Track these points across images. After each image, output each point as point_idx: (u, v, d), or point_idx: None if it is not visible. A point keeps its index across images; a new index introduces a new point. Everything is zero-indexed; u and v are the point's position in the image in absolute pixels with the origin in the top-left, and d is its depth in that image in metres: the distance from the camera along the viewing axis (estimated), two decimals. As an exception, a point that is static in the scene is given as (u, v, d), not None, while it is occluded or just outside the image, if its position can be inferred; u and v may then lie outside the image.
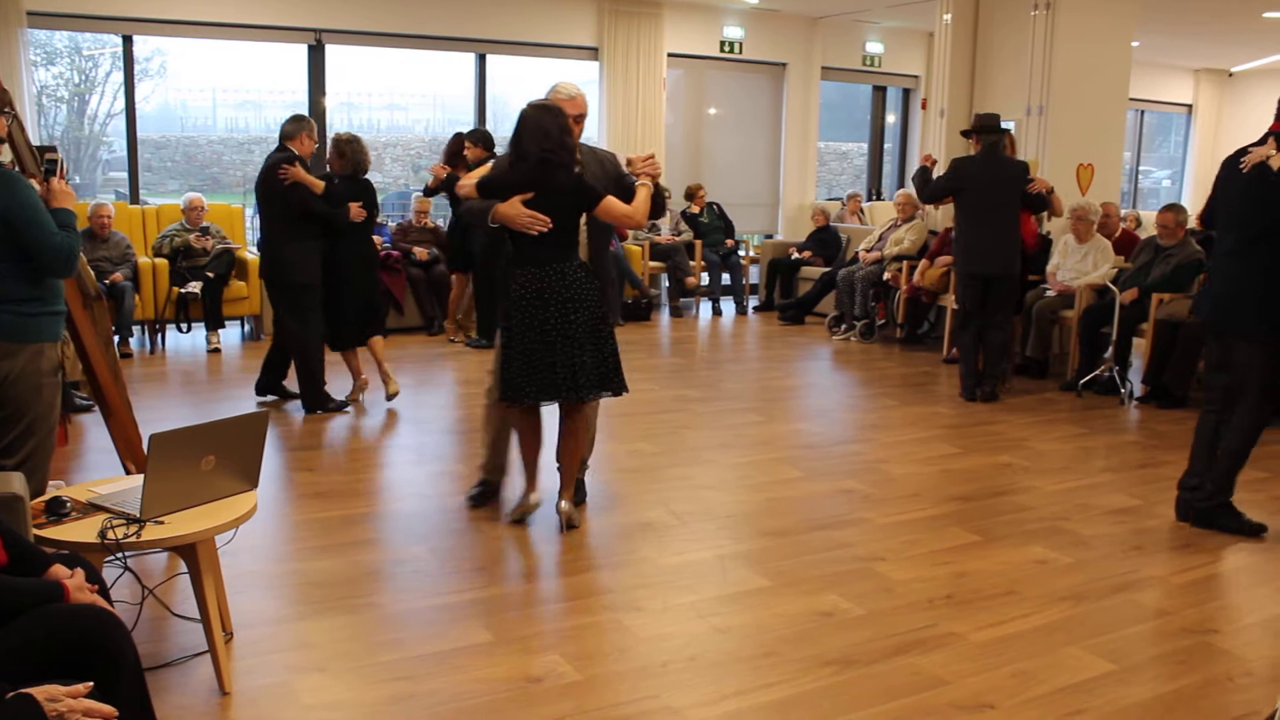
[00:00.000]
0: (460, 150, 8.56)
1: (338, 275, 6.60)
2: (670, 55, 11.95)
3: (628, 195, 4.64)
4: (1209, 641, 3.82)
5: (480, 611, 3.87)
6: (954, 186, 7.49)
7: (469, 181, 4.61)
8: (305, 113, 10.50)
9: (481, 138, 8.32)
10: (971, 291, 7.52)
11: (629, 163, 4.80)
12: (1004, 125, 7.70)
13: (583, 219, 4.61)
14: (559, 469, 4.84)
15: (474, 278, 8.88)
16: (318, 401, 6.59)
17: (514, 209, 4.39)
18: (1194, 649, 3.76)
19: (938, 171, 8.00)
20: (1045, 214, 8.30)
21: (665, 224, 11.34)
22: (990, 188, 7.39)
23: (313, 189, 6.39)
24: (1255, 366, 4.81)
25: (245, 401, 6.83)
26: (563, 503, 4.74)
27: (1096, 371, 7.89)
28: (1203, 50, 14.85)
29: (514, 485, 5.14)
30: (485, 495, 5.08)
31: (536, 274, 4.46)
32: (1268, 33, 12.65)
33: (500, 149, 8.01)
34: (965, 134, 7.92)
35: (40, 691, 2.09)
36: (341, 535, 4.61)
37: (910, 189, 11.54)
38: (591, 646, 3.61)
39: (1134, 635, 3.85)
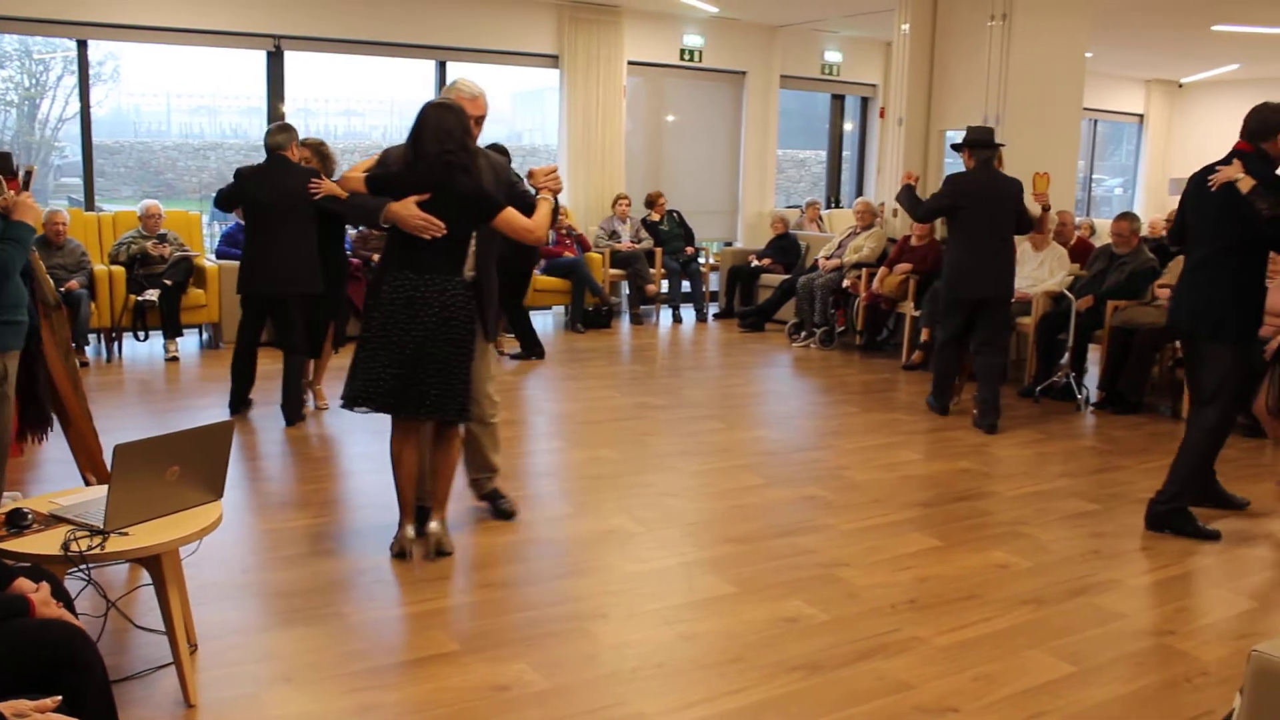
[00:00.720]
0: None
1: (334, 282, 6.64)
2: (630, 63, 11.98)
3: (521, 206, 4.41)
4: (1167, 643, 3.89)
5: (446, 621, 3.87)
6: (951, 204, 7.08)
7: (355, 174, 4.37)
8: (264, 118, 10.49)
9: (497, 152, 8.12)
10: (959, 318, 7.15)
11: (531, 174, 4.61)
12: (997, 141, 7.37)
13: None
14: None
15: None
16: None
17: (408, 209, 4.14)
18: (1152, 651, 3.82)
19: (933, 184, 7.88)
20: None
21: (626, 231, 11.36)
22: (987, 206, 6.97)
23: (338, 196, 6.28)
24: (1227, 370, 4.90)
25: (205, 410, 6.77)
26: (433, 523, 4.50)
27: (1053, 378, 7.99)
28: (1154, 62, 15.11)
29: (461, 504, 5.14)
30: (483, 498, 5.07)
31: (414, 280, 4.20)
32: (1216, 45, 12.89)
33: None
34: (956, 148, 7.43)
35: (8, 706, 2.07)
36: (306, 545, 4.59)
37: (868, 197, 11.67)
38: (559, 654, 3.61)
39: (1093, 638, 3.91)
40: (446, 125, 4.18)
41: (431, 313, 4.19)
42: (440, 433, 4.48)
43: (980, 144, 7.11)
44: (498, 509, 5.01)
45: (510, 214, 4.29)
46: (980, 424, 7.04)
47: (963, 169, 7.22)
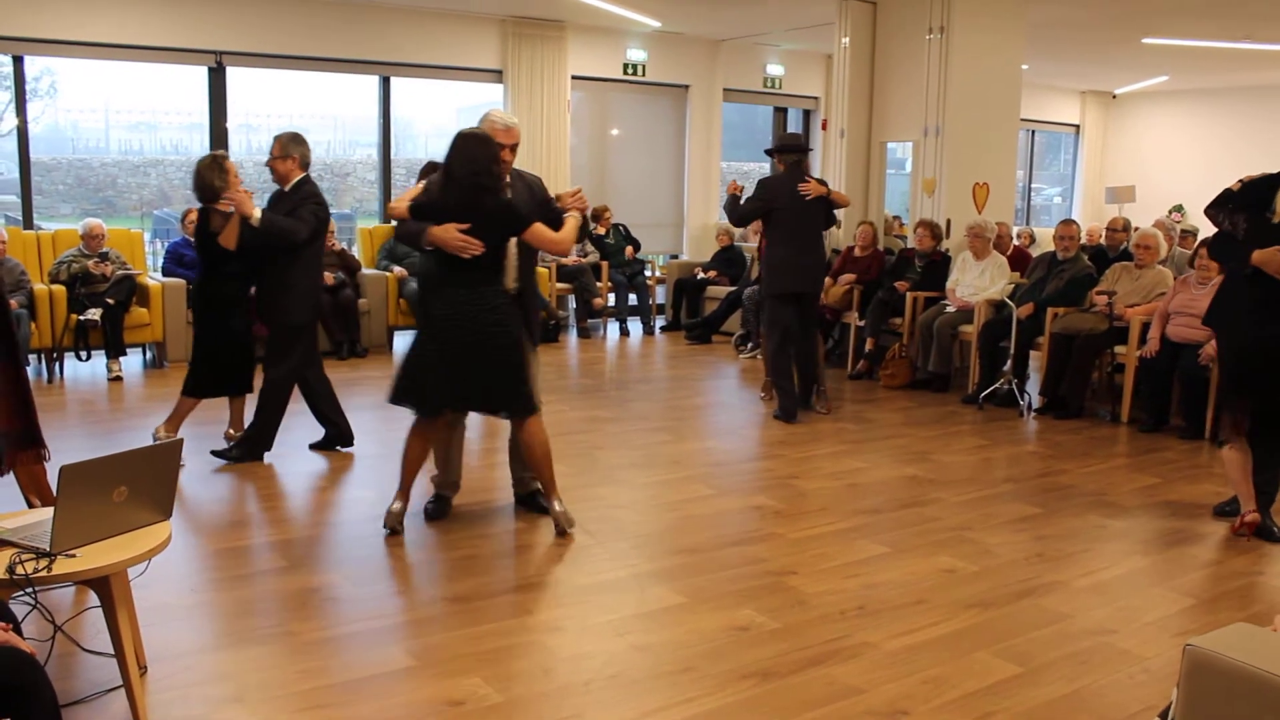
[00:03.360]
0: None
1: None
2: (574, 77, 12.02)
3: (554, 220, 4.85)
4: (1109, 642, 3.97)
5: (398, 636, 3.86)
6: (765, 206, 7.48)
7: (401, 204, 4.74)
8: (206, 135, 10.41)
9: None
10: (787, 310, 7.52)
11: (558, 198, 5.00)
12: (808, 146, 8.05)
13: (512, 244, 4.79)
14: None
15: None
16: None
17: (448, 233, 4.55)
18: (1095, 649, 3.90)
19: None
20: (838, 222, 8.41)
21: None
22: (797, 206, 7.42)
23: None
24: None
25: (150, 430, 6.69)
26: (555, 505, 4.98)
27: (996, 384, 8.12)
28: (1087, 73, 15.42)
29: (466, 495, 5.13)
30: (440, 509, 5.23)
31: (463, 295, 4.62)
32: (1147, 57, 13.18)
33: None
34: (769, 153, 8.02)
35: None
36: (256, 564, 4.56)
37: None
38: (513, 668, 3.62)
39: (1039, 638, 3.98)
40: (473, 152, 4.62)
41: (481, 323, 4.62)
42: (518, 427, 4.96)
43: (789, 149, 7.65)
44: (540, 507, 5.24)
45: (538, 228, 4.74)
46: (820, 406, 7.76)
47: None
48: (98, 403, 7.65)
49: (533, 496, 5.32)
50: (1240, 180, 5.17)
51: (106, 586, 3.11)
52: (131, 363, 8.97)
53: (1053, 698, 3.51)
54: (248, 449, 6.15)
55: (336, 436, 6.43)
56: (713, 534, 5.06)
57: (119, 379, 8.32)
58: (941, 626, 4.07)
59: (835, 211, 7.76)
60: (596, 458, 6.45)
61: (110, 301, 8.47)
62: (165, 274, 9.16)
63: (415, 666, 3.61)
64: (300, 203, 5.92)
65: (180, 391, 6.15)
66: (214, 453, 6.17)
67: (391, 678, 3.53)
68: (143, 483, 3.23)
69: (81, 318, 8.38)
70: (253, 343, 6.25)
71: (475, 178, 4.59)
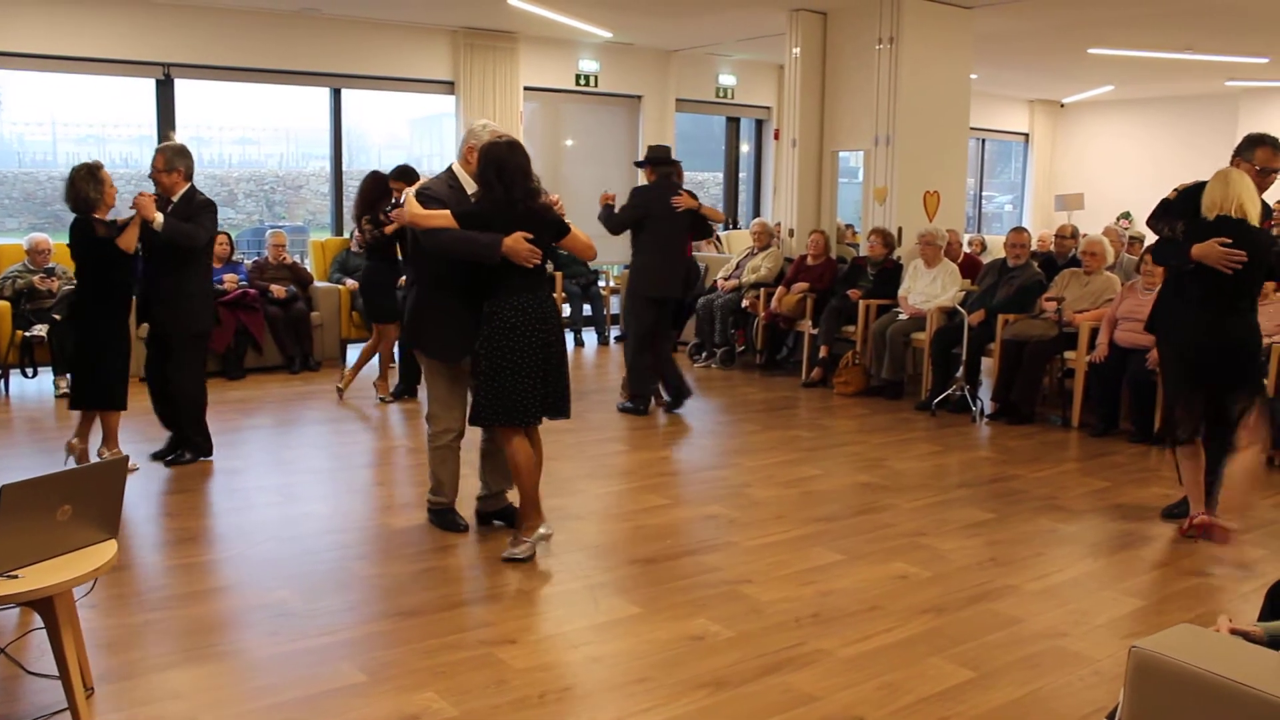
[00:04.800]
0: (385, 192, 7.95)
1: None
2: (526, 88, 12.03)
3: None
4: (1061, 645, 4.01)
5: (351, 652, 3.83)
6: (640, 215, 7.81)
7: (442, 214, 4.67)
8: (155, 146, 10.30)
9: (404, 174, 7.92)
10: (653, 313, 7.83)
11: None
12: (674, 158, 8.25)
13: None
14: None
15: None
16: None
17: (520, 244, 4.57)
18: (1047, 653, 3.94)
19: None
20: (714, 232, 8.69)
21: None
22: (667, 216, 7.76)
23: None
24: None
25: (98, 447, 6.59)
26: (543, 528, 4.85)
27: (948, 391, 8.19)
28: (1036, 83, 15.62)
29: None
30: (491, 514, 5.31)
31: (532, 300, 4.67)
32: (1093, 67, 13.38)
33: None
34: (639, 164, 8.30)
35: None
36: (204, 581, 4.51)
37: (765, 218, 11.86)
38: (467, 681, 3.60)
39: (992, 643, 4.01)
40: (521, 165, 4.68)
41: (552, 324, 4.73)
42: (533, 434, 4.91)
43: (658, 161, 7.96)
44: (498, 523, 5.27)
45: (576, 233, 4.90)
46: (674, 406, 8.08)
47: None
48: (44, 420, 7.53)
49: (504, 514, 5.26)
50: (1175, 189, 5.35)
51: (50, 607, 3.06)
52: (79, 379, 8.83)
53: (1005, 701, 3.54)
54: (195, 446, 6.33)
55: (184, 441, 6.39)
56: (667, 543, 5.06)
57: (66, 396, 8.18)
58: (896, 633, 4.09)
59: (711, 224, 8.24)
60: (551, 469, 6.39)
61: (56, 317, 8.34)
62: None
63: (368, 682, 3.58)
64: (196, 212, 6.03)
65: (98, 409, 6.05)
66: (156, 455, 6.28)
67: (344, 693, 3.49)
68: (87, 501, 3.18)
69: (27, 334, 8.26)
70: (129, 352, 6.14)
71: (533, 191, 4.68)
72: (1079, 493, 6.13)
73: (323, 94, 11.27)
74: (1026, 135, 17.54)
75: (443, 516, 5.23)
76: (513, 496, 5.15)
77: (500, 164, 4.64)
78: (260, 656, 3.78)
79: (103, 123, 14.65)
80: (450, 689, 3.53)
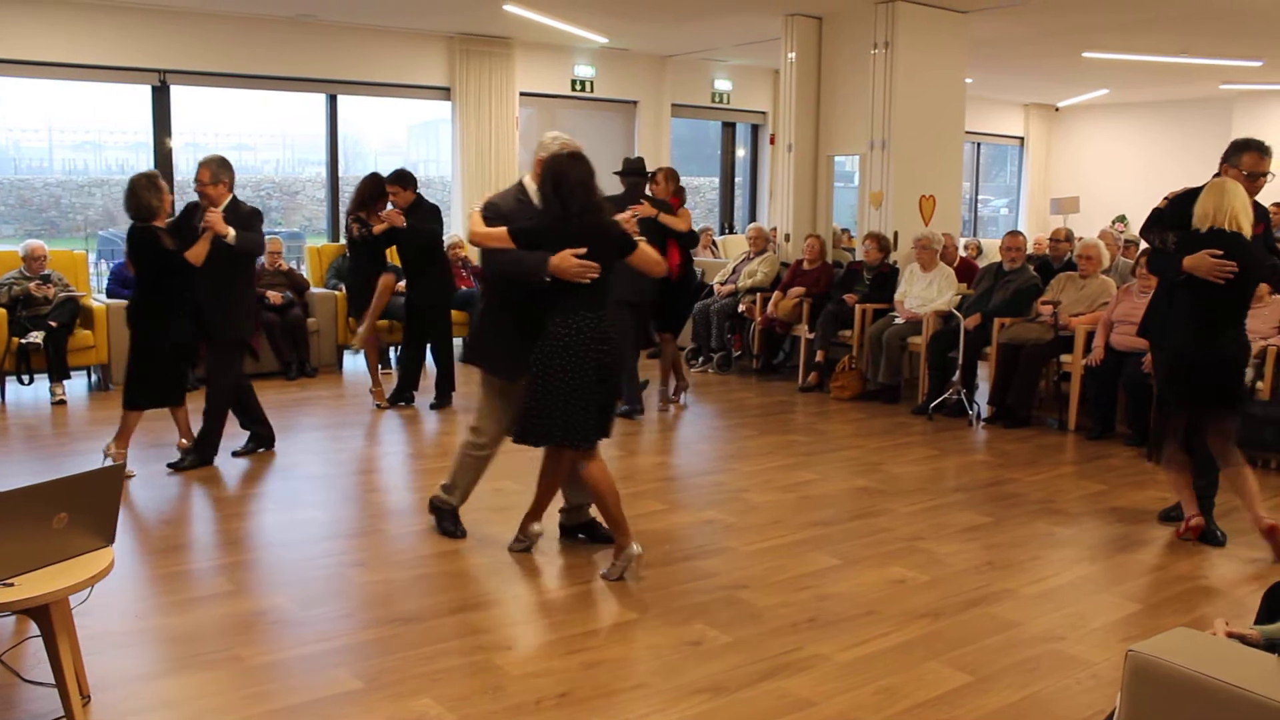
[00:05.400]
0: (379, 194, 7.99)
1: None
2: (522, 94, 12.04)
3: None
4: (1058, 649, 4.01)
5: (347, 659, 3.82)
6: None
7: (498, 232, 4.56)
8: (151, 154, 10.31)
9: (400, 177, 7.94)
10: (624, 315, 7.64)
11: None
12: (649, 170, 8.21)
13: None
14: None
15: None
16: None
17: (566, 261, 4.42)
18: (1044, 656, 3.94)
19: None
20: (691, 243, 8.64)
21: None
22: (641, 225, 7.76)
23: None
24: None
25: (95, 455, 6.59)
26: (635, 546, 4.68)
27: (945, 395, 8.19)
28: (1031, 87, 15.65)
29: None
30: (575, 527, 5.21)
31: (591, 318, 4.52)
32: (1088, 71, 13.41)
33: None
34: (618, 174, 8.18)
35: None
36: (201, 588, 4.50)
37: (761, 222, 11.86)
38: (464, 688, 3.60)
39: (989, 647, 4.01)
40: (584, 179, 4.53)
41: (610, 344, 4.56)
42: (594, 455, 4.73)
43: (627, 172, 7.93)
44: (598, 535, 5.11)
45: (644, 248, 4.75)
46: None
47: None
48: (41, 427, 7.52)
49: (587, 528, 5.18)
50: (1166, 198, 5.36)
51: (46, 615, 3.06)
52: (76, 386, 8.82)
53: (1002, 705, 3.54)
54: (198, 455, 6.37)
55: (264, 438, 6.74)
56: (664, 549, 5.06)
57: (63, 403, 8.18)
58: (893, 637, 4.09)
59: (690, 233, 8.17)
60: (548, 474, 6.42)
61: (53, 324, 8.33)
62: (110, 295, 9.04)
63: (364, 689, 3.58)
64: (246, 221, 6.18)
65: (122, 406, 6.19)
66: (170, 465, 6.32)
67: (340, 700, 3.49)
68: (83, 509, 3.18)
69: (23, 341, 8.24)
70: (186, 353, 6.37)
71: (596, 205, 4.55)
72: (1075, 496, 6.13)
73: (319, 100, 11.28)
74: (1022, 139, 17.57)
75: (443, 516, 5.20)
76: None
77: (559, 178, 4.51)
78: (255, 664, 3.77)
79: (99, 129, 14.64)
80: (447, 695, 3.53)
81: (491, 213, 4.73)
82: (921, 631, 4.15)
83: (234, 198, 6.25)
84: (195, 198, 6.34)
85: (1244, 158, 5.21)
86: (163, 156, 10.30)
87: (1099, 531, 5.51)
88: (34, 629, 3.26)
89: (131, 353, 6.19)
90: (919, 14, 9.43)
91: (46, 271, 8.64)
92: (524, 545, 4.96)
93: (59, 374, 8.32)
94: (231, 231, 6.05)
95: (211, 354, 6.38)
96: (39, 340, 8.26)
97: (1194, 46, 11.35)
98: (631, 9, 10.25)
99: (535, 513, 4.94)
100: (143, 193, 5.94)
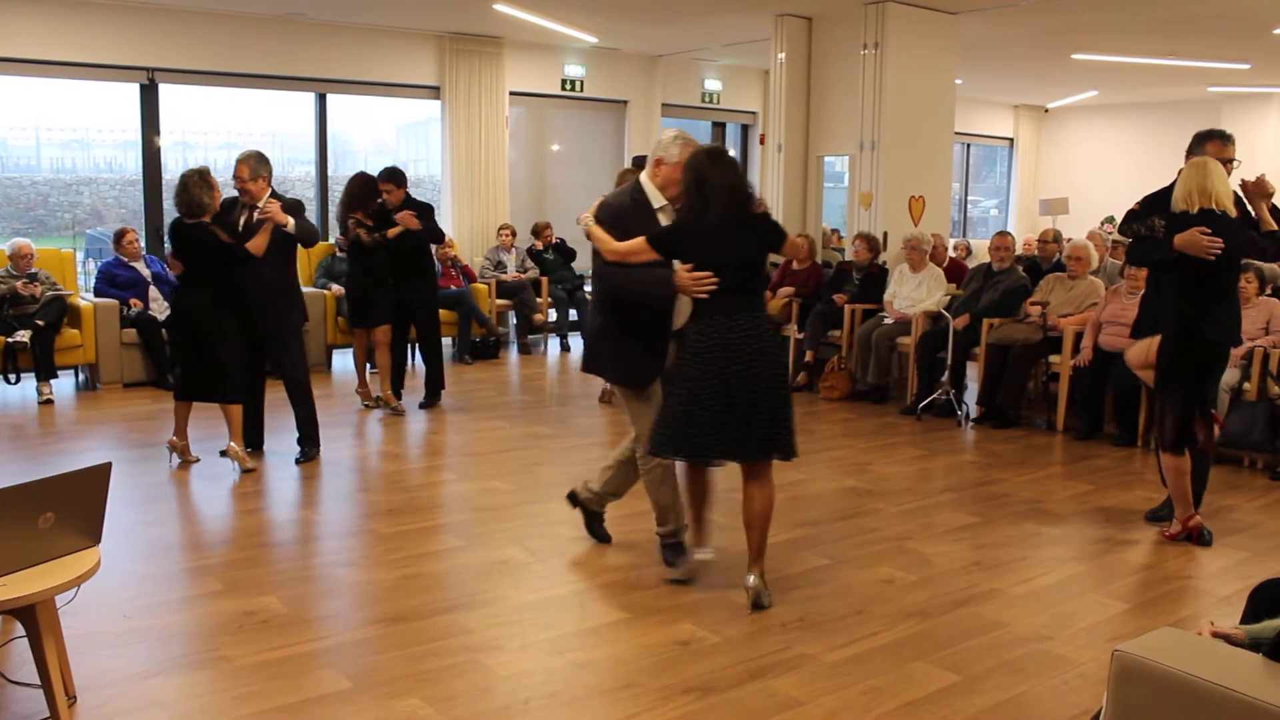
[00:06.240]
0: (372, 194, 7.86)
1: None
2: (512, 93, 12.02)
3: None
4: (1045, 648, 4.02)
5: (336, 659, 3.82)
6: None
7: (635, 245, 4.32)
8: (140, 152, 10.27)
9: (393, 175, 7.89)
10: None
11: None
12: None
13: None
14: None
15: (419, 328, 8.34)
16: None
17: (681, 279, 4.21)
18: (1032, 656, 3.95)
19: None
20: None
21: (511, 261, 11.37)
22: None
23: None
24: None
25: (83, 454, 6.58)
26: (751, 578, 4.37)
27: (934, 395, 8.21)
28: (1020, 88, 15.68)
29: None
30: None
31: (724, 324, 4.18)
32: (1077, 73, 13.44)
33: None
34: (630, 169, 8.21)
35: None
36: (189, 588, 4.49)
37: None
38: (452, 688, 3.59)
39: (976, 646, 4.02)
40: (727, 178, 4.23)
41: (745, 351, 4.18)
42: (759, 474, 4.37)
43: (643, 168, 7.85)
44: (594, 529, 5.15)
45: (791, 239, 4.60)
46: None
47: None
48: (28, 427, 7.49)
49: (592, 520, 5.10)
50: (1138, 202, 5.42)
51: (32, 615, 3.05)
52: (63, 385, 8.80)
53: (990, 705, 3.55)
54: (313, 444, 6.66)
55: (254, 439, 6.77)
56: (654, 550, 5.04)
57: (50, 402, 8.15)
58: (881, 637, 4.10)
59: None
60: (537, 474, 6.42)
61: (40, 323, 8.31)
62: (97, 294, 9.01)
63: (353, 689, 3.57)
64: (291, 211, 6.30)
65: (224, 403, 6.26)
66: (298, 460, 6.55)
67: (329, 700, 3.48)
68: (70, 508, 3.17)
69: (10, 340, 8.21)
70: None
71: (739, 196, 4.24)
72: (1063, 496, 6.15)
73: (308, 99, 11.25)
74: (1011, 140, 17.61)
75: (673, 550, 4.81)
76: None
77: (701, 177, 4.21)
78: (244, 664, 3.76)
79: (86, 127, 14.57)
80: (435, 695, 3.53)
81: (605, 214, 4.53)
82: (909, 631, 4.16)
83: (273, 191, 6.34)
84: (172, 199, 6.36)
85: (1208, 146, 5.34)
86: (151, 155, 10.27)
87: (1086, 531, 5.53)
88: (19, 629, 3.25)
89: (210, 350, 6.18)
90: (909, 15, 9.44)
91: (33, 270, 8.61)
92: (687, 575, 4.67)
93: (46, 373, 8.29)
94: (291, 220, 6.20)
95: (275, 347, 6.50)
96: (26, 339, 8.22)
97: (1182, 49, 11.38)
98: (621, 9, 10.24)
99: (696, 533, 4.75)
100: (195, 189, 6.05)
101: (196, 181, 6.06)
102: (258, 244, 6.14)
